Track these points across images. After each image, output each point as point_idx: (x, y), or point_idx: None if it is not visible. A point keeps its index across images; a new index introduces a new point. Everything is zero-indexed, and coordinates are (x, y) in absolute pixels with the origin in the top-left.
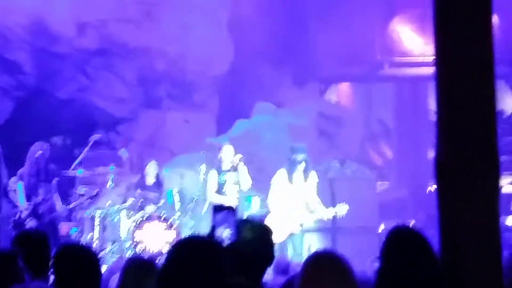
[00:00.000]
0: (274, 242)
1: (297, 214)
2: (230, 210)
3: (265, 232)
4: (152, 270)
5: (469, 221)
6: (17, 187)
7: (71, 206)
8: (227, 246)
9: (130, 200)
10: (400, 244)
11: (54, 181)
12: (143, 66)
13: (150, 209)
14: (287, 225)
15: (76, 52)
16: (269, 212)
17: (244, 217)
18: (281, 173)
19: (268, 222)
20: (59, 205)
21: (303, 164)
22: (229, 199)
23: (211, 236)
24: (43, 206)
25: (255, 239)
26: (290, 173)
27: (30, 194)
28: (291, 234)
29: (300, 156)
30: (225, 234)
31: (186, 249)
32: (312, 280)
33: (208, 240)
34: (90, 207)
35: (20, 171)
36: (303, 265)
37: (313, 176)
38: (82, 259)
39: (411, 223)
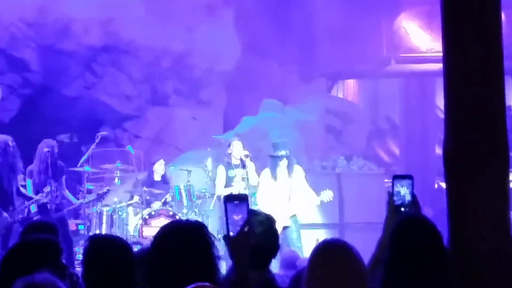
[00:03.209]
0: (277, 231)
1: (280, 208)
2: (243, 199)
3: (271, 222)
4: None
5: (480, 216)
6: (26, 184)
7: (84, 201)
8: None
9: (137, 197)
10: (409, 230)
11: (63, 178)
12: (149, 63)
13: (156, 205)
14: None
15: (83, 49)
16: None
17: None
18: (265, 172)
19: None
20: (71, 200)
21: (284, 160)
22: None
23: (227, 227)
24: (51, 202)
25: (262, 231)
26: (273, 170)
27: (39, 191)
28: (285, 229)
29: (281, 152)
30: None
31: (172, 231)
32: (321, 267)
33: (194, 222)
34: (97, 204)
35: (29, 168)
36: (311, 253)
37: (298, 170)
38: (116, 251)
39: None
